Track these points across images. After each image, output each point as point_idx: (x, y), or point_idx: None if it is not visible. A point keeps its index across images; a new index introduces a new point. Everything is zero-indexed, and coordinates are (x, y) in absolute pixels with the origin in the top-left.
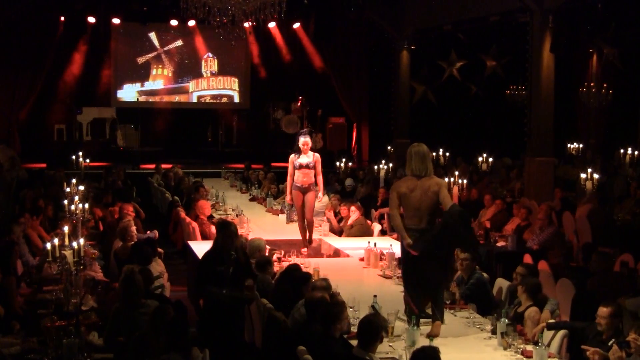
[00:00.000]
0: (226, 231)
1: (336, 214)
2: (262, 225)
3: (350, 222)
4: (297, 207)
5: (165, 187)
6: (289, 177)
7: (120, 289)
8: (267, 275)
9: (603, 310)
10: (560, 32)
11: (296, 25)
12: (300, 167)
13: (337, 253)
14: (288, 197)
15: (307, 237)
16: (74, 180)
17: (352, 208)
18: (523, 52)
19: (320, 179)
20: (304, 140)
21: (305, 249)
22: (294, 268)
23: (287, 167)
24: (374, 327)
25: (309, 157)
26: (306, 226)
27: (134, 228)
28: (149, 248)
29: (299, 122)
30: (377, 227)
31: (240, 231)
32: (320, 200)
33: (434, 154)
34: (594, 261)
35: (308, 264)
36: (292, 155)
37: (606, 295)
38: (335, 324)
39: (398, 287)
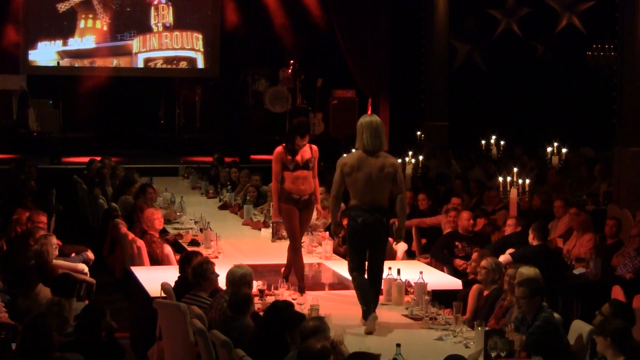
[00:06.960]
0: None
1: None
2: (238, 244)
3: None
4: (290, 229)
5: (99, 187)
6: (274, 182)
7: (19, 343)
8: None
9: None
10: None
11: None
12: (296, 167)
13: (344, 283)
14: (274, 212)
15: (300, 282)
16: None
17: None
18: None
19: (317, 182)
20: (302, 139)
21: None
22: (281, 305)
23: (271, 162)
24: None
25: (306, 152)
26: (297, 264)
27: (54, 248)
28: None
29: (289, 96)
30: (401, 246)
31: (206, 252)
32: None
33: (483, 142)
34: None
35: (303, 300)
36: (281, 148)
37: None
38: None
39: (431, 333)
